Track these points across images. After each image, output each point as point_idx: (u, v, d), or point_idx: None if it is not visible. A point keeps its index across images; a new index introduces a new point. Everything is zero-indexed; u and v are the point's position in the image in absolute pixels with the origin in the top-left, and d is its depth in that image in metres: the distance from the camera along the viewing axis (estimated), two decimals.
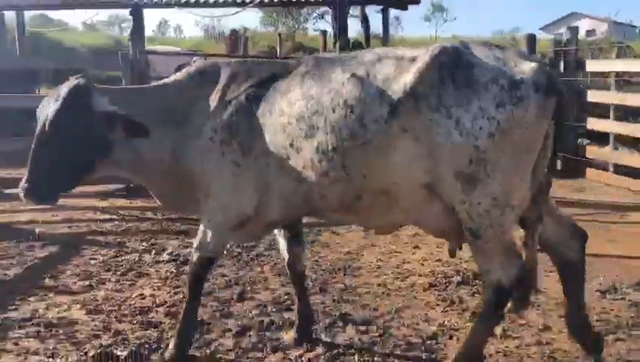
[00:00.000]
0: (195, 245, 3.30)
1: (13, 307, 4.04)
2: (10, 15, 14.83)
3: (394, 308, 4.07)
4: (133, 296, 4.33)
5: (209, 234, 3.21)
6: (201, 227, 3.25)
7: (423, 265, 5.00)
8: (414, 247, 5.47)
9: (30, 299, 4.24)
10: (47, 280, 4.63)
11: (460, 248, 3.18)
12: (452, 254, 3.25)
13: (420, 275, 4.73)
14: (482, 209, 2.75)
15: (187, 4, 12.71)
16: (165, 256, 5.23)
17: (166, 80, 3.46)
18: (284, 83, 3.10)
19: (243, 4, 11.80)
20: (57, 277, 4.68)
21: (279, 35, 20.06)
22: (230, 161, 3.09)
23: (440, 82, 2.72)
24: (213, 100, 3.17)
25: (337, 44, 8.98)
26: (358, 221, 3.40)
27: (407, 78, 2.78)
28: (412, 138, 2.75)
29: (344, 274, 4.76)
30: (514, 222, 2.87)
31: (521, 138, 2.69)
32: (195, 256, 3.30)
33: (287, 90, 3.06)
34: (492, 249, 2.83)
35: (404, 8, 14.91)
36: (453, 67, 2.73)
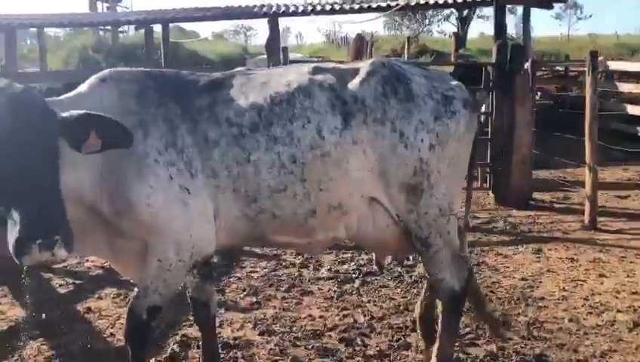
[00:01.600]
0: (136, 292, 2.85)
1: (189, 323, 4.00)
2: (156, 28, 15.66)
3: (598, 351, 3.57)
4: (302, 316, 4.18)
5: (158, 278, 2.77)
6: (147, 271, 2.78)
7: (617, 297, 4.41)
8: (600, 276, 4.87)
9: None
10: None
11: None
12: (381, 268, 3.90)
13: (618, 311, 4.16)
14: (430, 218, 2.88)
15: (323, 12, 12.70)
16: (324, 272, 5.06)
17: (81, 89, 2.81)
18: (225, 92, 2.88)
19: (382, 9, 11.56)
20: (224, 291, 4.65)
21: (408, 38, 19.58)
22: (178, 187, 2.69)
23: (384, 95, 2.83)
24: (150, 115, 2.74)
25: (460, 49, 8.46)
26: (299, 242, 3.03)
27: (357, 89, 2.85)
28: (361, 149, 2.80)
29: (526, 305, 4.29)
30: (456, 229, 3.06)
31: (457, 150, 2.91)
32: (136, 305, 2.82)
33: (230, 99, 2.85)
34: (442, 257, 2.99)
35: (550, 7, 13.86)
36: (394, 80, 2.87)
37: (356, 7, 12.01)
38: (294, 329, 3.96)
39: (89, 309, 4.30)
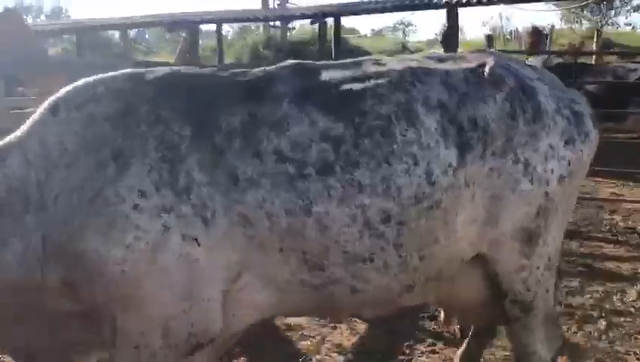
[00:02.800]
0: None
1: None
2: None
3: None
4: None
5: None
6: None
7: None
8: None
9: None
10: None
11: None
12: (464, 336, 2.89)
13: None
14: (540, 274, 2.23)
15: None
16: None
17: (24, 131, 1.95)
18: (273, 105, 1.93)
19: None
20: None
21: (598, 30, 17.49)
22: (180, 238, 1.81)
23: (512, 116, 2.08)
24: (132, 139, 1.85)
25: None
26: (381, 313, 2.28)
27: (474, 107, 2.05)
28: (470, 194, 2.02)
29: None
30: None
31: (580, 179, 2.30)
32: None
33: (282, 119, 1.91)
34: (539, 323, 2.35)
35: None
36: (520, 93, 2.12)
37: None
38: None
39: (289, 327, 3.84)
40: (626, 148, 9.18)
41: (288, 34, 22.73)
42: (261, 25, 22.84)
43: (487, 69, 2.16)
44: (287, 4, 22.89)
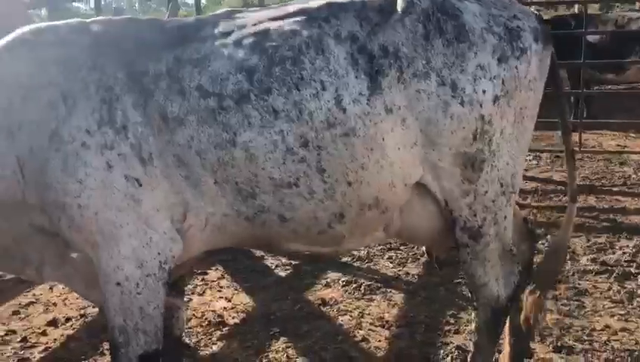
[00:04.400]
0: (113, 340, 2.15)
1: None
2: None
3: None
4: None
5: (128, 311, 2.09)
6: (109, 306, 2.12)
7: None
8: None
9: None
10: None
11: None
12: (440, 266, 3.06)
13: None
14: (489, 199, 2.18)
15: None
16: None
17: None
18: (195, 47, 2.11)
19: None
20: None
21: None
22: (123, 178, 2.02)
23: (426, 37, 2.08)
24: (76, 83, 2.07)
25: None
26: (321, 251, 2.33)
27: (387, 34, 2.08)
28: (399, 119, 2.06)
29: None
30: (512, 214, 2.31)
31: (525, 100, 2.18)
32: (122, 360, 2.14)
33: (204, 58, 2.09)
34: (492, 253, 2.29)
35: None
36: (439, 14, 2.11)
37: None
38: None
39: (324, 301, 3.68)
40: (627, 99, 9.15)
41: None
42: None
43: None
44: None
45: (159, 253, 2.09)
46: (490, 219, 2.23)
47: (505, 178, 2.20)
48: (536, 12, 2.32)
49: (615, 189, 5.82)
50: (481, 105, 2.09)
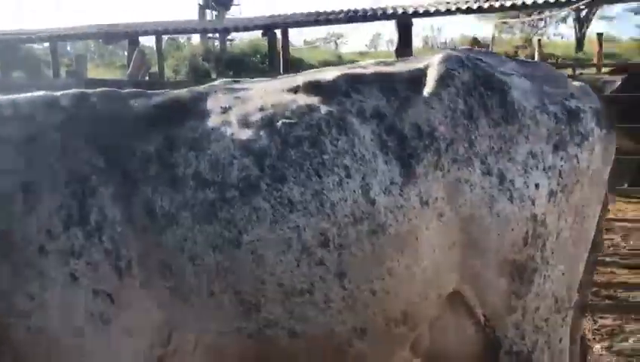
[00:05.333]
0: None
1: None
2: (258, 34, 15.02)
3: None
4: None
5: None
6: None
7: None
8: None
9: None
10: None
11: None
12: None
13: None
14: (540, 318, 1.75)
15: (472, 10, 11.42)
16: None
17: None
18: (191, 125, 1.70)
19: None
20: None
21: (539, 40, 17.75)
22: (91, 293, 1.57)
23: (469, 116, 1.70)
24: (40, 172, 1.62)
25: None
26: None
27: (420, 111, 1.71)
28: (436, 214, 1.66)
29: None
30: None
31: (586, 196, 1.78)
32: None
33: (202, 138, 1.68)
34: None
35: None
36: (482, 88, 1.74)
37: (519, 2, 10.60)
38: None
39: None
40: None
41: (228, 44, 21.97)
42: (194, 36, 21.98)
43: (434, 64, 1.82)
44: (226, 16, 22.14)
45: None
46: (543, 342, 1.83)
47: (559, 291, 1.82)
48: (594, 92, 1.95)
49: (608, 260, 5.53)
50: (533, 203, 1.73)
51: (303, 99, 1.76)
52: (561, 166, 1.76)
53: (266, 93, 1.80)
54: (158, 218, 1.61)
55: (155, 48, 15.37)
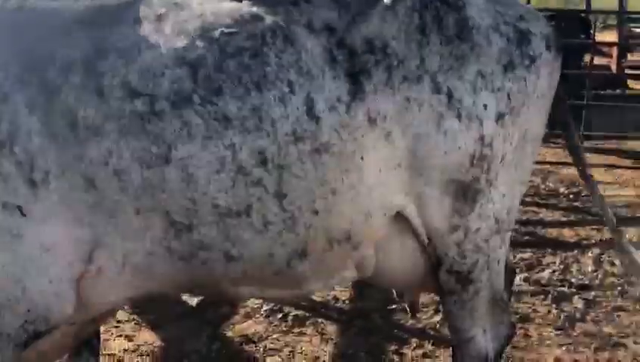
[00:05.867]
0: None
1: None
2: None
3: None
4: None
5: None
6: None
7: None
8: None
9: None
10: None
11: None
12: (414, 312, 2.57)
13: None
14: (481, 238, 1.80)
15: None
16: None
17: None
18: (122, 32, 1.61)
19: None
20: None
21: None
22: (0, 207, 1.54)
23: (422, 31, 1.67)
24: None
25: None
26: (277, 295, 1.92)
27: (373, 25, 1.65)
28: (384, 133, 1.64)
29: None
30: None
31: (531, 120, 1.79)
32: None
33: (133, 46, 1.59)
34: (481, 302, 1.91)
35: None
36: (438, 2, 1.70)
37: None
38: None
39: (247, 338, 3.14)
40: None
41: None
42: None
43: None
44: None
45: (28, 311, 1.58)
46: (483, 262, 1.87)
47: (500, 213, 1.83)
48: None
49: (528, 200, 5.78)
50: (481, 123, 1.72)
51: (246, 7, 1.66)
52: (510, 88, 1.75)
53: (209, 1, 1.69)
54: (81, 129, 1.51)
55: None
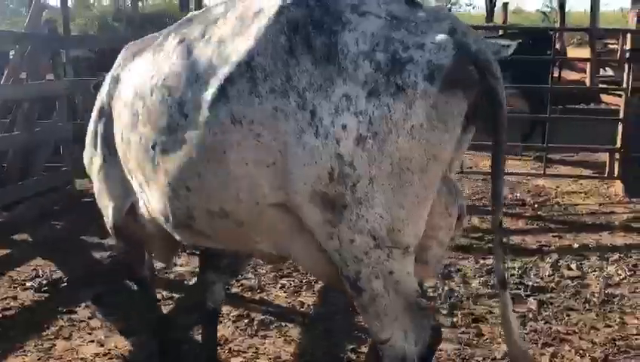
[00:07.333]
0: None
1: None
2: None
3: None
4: None
5: None
6: None
7: None
8: None
9: None
10: None
11: None
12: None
13: None
14: (358, 250, 1.87)
15: None
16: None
17: None
18: (136, 59, 2.44)
19: None
20: None
21: (449, 9, 18.30)
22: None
23: (289, 51, 1.85)
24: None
25: None
26: (214, 244, 2.34)
27: (244, 42, 1.94)
28: (252, 134, 1.90)
29: None
30: (412, 267, 1.95)
31: (407, 149, 1.79)
32: None
33: (133, 67, 2.42)
34: (385, 307, 1.95)
35: None
36: (310, 27, 1.85)
37: None
38: None
39: (225, 339, 3.30)
40: None
41: (140, 4, 21.08)
42: None
43: (272, 3, 1.96)
44: None
45: None
46: (368, 273, 1.89)
47: (378, 231, 1.85)
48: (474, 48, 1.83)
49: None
50: (338, 142, 1.78)
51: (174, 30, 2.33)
52: (372, 113, 1.77)
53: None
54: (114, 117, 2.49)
55: (59, 6, 14.54)
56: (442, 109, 1.80)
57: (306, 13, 1.87)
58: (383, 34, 1.81)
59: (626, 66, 6.44)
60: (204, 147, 1.98)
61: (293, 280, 4.10)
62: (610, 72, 13.31)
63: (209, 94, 1.96)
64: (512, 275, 4.24)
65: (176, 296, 3.92)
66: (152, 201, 2.31)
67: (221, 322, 3.49)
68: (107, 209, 2.68)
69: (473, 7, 34.15)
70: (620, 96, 7.01)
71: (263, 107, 1.87)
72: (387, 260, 1.89)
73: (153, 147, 2.14)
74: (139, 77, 2.30)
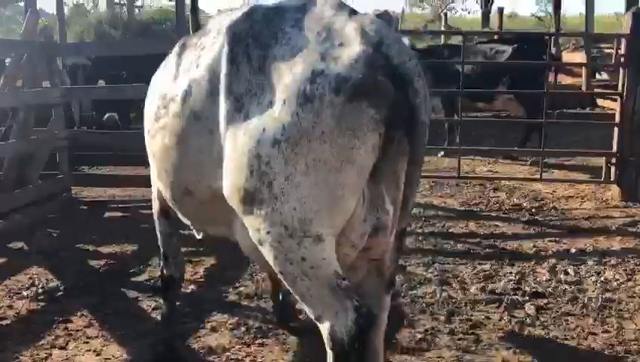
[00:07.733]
0: None
1: None
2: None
3: None
4: None
5: None
6: None
7: None
8: None
9: None
10: None
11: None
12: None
13: None
14: (273, 239, 2.07)
15: None
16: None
17: None
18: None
19: None
20: None
21: (445, 14, 18.38)
22: None
23: (232, 61, 2.14)
24: None
25: None
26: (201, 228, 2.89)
27: (210, 51, 2.29)
28: (206, 129, 2.23)
29: None
30: (328, 254, 2.07)
31: (320, 153, 1.97)
32: None
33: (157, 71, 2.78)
34: (309, 289, 2.10)
35: None
36: (250, 40, 2.13)
37: None
38: None
39: (210, 349, 3.29)
40: (492, 126, 9.69)
41: (136, 11, 21.13)
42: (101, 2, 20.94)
43: (229, 19, 2.26)
44: None
45: None
46: (282, 258, 2.08)
47: (290, 222, 2.02)
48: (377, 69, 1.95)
49: (493, 214, 6.01)
50: (258, 143, 2.01)
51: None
52: (285, 119, 1.96)
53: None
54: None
55: (56, 14, 14.57)
56: (351, 118, 1.96)
57: (249, 27, 2.15)
58: (309, 47, 2.00)
59: (621, 70, 6.45)
60: (173, 135, 2.37)
61: None
62: (605, 75, 13.38)
63: (181, 91, 2.32)
64: (510, 281, 4.24)
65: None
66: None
67: (218, 330, 3.50)
68: (154, 192, 2.99)
69: (469, 12, 34.16)
70: (615, 100, 7.02)
71: (213, 108, 2.17)
72: (300, 248, 2.06)
73: (147, 133, 2.61)
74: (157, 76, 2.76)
